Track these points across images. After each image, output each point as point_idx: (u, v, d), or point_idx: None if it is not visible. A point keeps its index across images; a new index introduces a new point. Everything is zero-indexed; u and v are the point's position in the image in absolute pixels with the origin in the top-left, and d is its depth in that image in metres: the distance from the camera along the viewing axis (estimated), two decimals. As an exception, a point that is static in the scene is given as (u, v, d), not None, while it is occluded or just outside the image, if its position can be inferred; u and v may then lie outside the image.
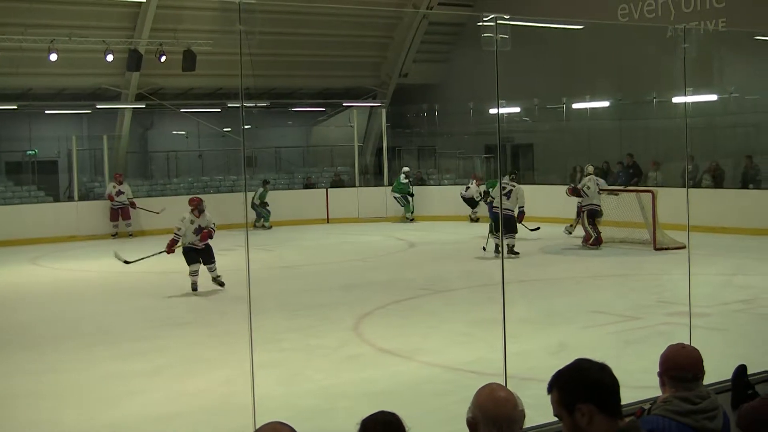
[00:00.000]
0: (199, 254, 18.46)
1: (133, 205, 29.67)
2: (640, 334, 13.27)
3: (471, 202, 30.60)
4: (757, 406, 5.89)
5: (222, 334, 14.17)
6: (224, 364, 12.10)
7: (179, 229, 18.64)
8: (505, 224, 21.51)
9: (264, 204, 31.03)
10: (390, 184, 33.52)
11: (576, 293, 17.78)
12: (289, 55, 33.59)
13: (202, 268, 18.29)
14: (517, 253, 21.95)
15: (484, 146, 35.20)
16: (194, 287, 18.28)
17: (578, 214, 24.51)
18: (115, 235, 29.27)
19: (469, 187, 30.67)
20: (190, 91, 34.78)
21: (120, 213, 29.56)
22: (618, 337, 13.01)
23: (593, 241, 23.28)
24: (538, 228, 24.94)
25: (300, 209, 31.75)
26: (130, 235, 29.34)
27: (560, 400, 3.86)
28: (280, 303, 16.03)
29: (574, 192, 24.09)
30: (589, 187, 23.62)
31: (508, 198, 22.39)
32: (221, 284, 18.31)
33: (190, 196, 19.83)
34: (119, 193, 29.50)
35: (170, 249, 18.81)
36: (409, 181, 32.11)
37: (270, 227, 30.77)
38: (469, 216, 30.83)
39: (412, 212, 31.95)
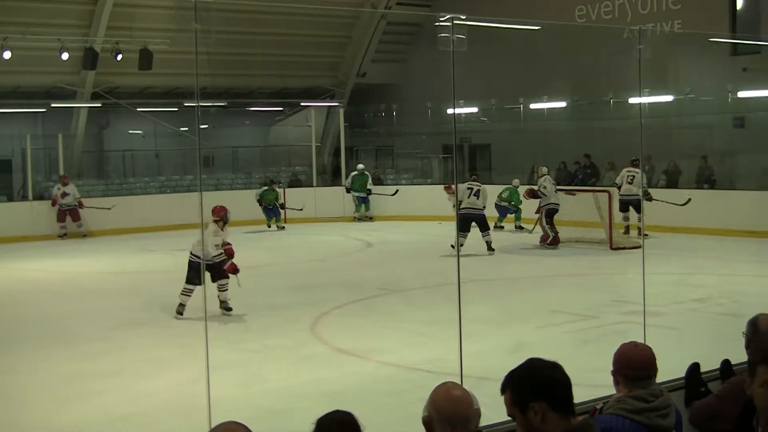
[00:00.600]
0: (209, 270, 15.22)
1: (81, 204, 29.26)
2: (596, 333, 13.36)
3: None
4: (709, 403, 5.98)
5: (179, 335, 14.12)
6: (181, 365, 12.07)
7: (216, 246, 15.56)
8: (481, 223, 22.00)
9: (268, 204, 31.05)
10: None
11: (532, 292, 17.89)
12: (246, 55, 33.48)
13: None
14: (493, 250, 22.50)
15: (441, 146, 35.27)
16: (181, 311, 15.45)
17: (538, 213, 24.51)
18: (63, 236, 28.92)
19: None
20: (146, 90, 34.60)
21: (69, 214, 29.12)
22: (574, 336, 13.09)
23: (551, 241, 23.38)
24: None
25: (257, 209, 31.66)
26: (84, 236, 29.06)
27: (513, 399, 3.89)
28: (236, 303, 15.98)
29: (532, 194, 24.18)
30: (545, 187, 23.72)
31: (478, 197, 22.75)
32: (228, 309, 15.62)
33: (214, 205, 16.14)
34: (65, 194, 29.00)
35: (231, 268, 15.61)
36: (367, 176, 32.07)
37: (278, 228, 30.95)
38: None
39: (368, 210, 31.96)
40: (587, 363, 8.55)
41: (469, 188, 22.81)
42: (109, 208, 28.49)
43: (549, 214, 23.62)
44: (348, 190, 31.94)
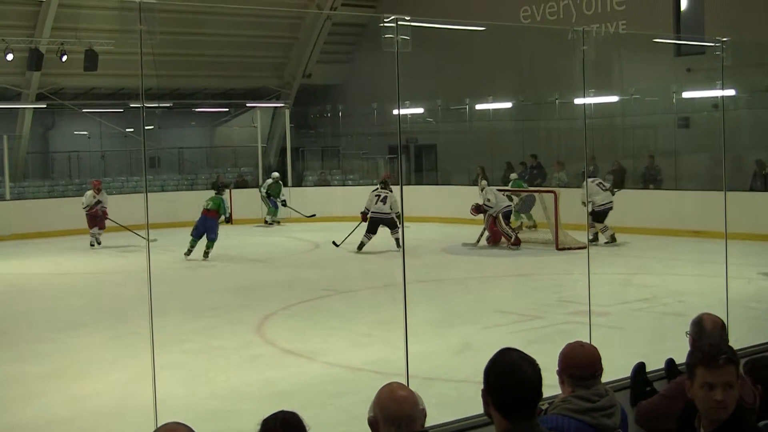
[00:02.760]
0: None
1: (106, 214, 27.74)
2: (542, 333, 13.41)
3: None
4: (654, 402, 6.00)
5: (122, 335, 13.99)
6: (125, 366, 11.96)
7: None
8: (390, 224, 23.05)
9: (269, 196, 31.07)
10: (295, 185, 33.52)
11: (478, 293, 17.95)
12: (191, 55, 33.31)
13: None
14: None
15: (387, 147, 35.26)
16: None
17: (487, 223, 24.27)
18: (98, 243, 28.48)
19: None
20: (91, 90, 34.35)
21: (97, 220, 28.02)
22: (520, 336, 13.10)
23: (514, 241, 23.36)
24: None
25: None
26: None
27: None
28: (182, 304, 15.90)
29: (477, 209, 24.15)
30: (489, 200, 23.62)
31: (384, 203, 23.60)
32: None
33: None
34: (99, 202, 27.98)
35: None
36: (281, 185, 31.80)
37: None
38: None
39: (275, 215, 31.61)
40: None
41: (377, 195, 23.59)
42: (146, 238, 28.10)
43: (506, 216, 23.61)
44: (267, 196, 31.50)
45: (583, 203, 21.48)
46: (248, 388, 10.95)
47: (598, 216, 23.12)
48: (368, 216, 23.66)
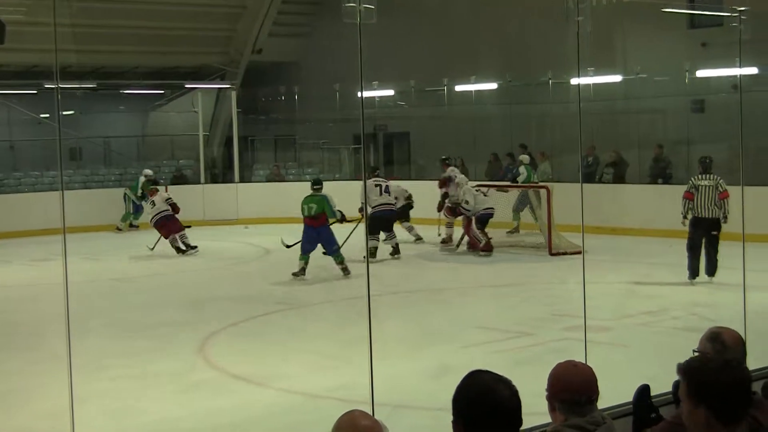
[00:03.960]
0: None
1: None
2: (532, 352, 13.49)
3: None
4: (660, 429, 6.07)
5: (40, 360, 13.95)
6: (42, 396, 11.94)
7: None
8: (399, 218, 22.28)
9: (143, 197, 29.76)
10: (242, 180, 33.52)
11: (458, 306, 17.98)
12: (119, 27, 33.19)
13: None
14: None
15: (352, 135, 35.20)
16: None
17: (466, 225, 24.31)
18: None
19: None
20: (-2, 69, 34.24)
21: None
22: (506, 356, 13.18)
23: (484, 246, 23.35)
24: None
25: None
26: None
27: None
28: (108, 322, 15.90)
29: (453, 212, 24.21)
30: (467, 201, 23.52)
31: (389, 193, 23.35)
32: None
33: None
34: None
35: None
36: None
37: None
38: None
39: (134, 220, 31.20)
40: (522, 387, 8.59)
41: (376, 184, 23.14)
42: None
43: (482, 219, 23.48)
44: (142, 197, 30.53)
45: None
46: (188, 420, 10.97)
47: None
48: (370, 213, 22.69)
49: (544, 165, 28.85)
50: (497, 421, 3.86)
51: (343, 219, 21.40)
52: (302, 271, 20.51)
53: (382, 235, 22.81)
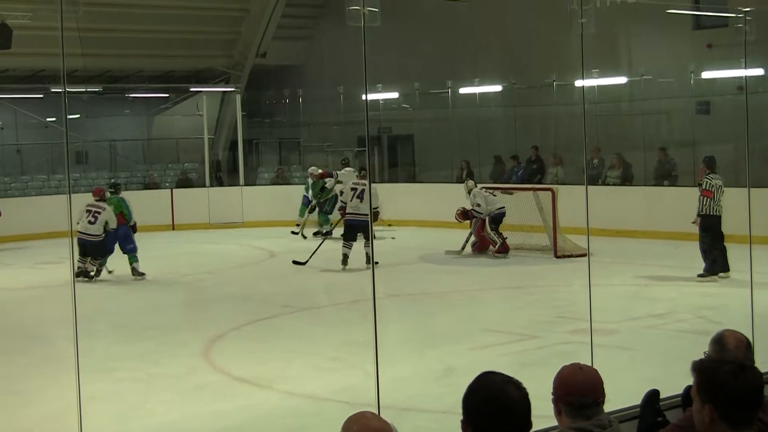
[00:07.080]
0: None
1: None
2: (538, 354, 13.45)
3: None
4: (668, 432, 6.01)
5: (43, 362, 13.96)
6: (47, 398, 11.93)
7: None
8: (364, 230, 21.68)
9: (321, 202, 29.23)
10: (247, 183, 33.48)
11: (463, 309, 17.95)
12: (125, 31, 33.18)
13: None
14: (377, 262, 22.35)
15: (356, 138, 35.18)
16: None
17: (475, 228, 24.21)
18: None
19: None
20: (5, 73, 34.19)
21: None
22: (512, 358, 13.12)
23: (500, 248, 23.30)
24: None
25: (140, 213, 31.30)
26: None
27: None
28: (114, 324, 15.87)
29: (465, 216, 24.13)
30: (479, 204, 23.50)
31: (362, 200, 22.41)
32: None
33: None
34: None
35: None
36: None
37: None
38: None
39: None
40: (528, 390, 8.60)
41: (352, 188, 22.74)
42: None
43: (496, 219, 23.46)
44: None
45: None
46: (192, 422, 10.96)
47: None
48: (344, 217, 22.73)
49: (557, 169, 28.79)
50: (506, 422, 3.82)
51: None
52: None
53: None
